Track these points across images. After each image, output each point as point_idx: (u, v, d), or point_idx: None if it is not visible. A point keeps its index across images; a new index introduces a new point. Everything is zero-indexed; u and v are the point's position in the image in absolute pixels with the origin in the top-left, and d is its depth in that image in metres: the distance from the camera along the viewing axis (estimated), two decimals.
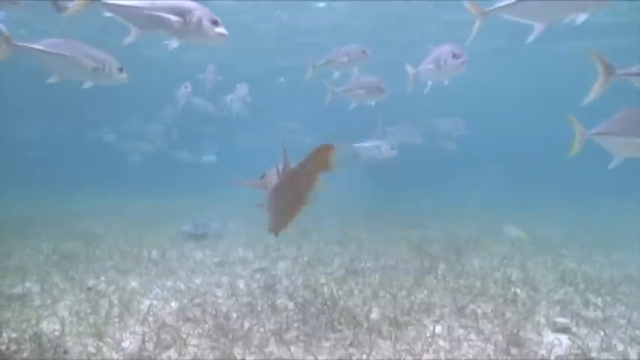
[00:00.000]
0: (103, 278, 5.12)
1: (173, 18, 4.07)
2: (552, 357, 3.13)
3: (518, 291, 4.65)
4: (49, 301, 4.28)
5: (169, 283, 5.01)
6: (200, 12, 4.13)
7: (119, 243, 7.08)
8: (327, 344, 3.33)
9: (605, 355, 3.27)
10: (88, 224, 9.15)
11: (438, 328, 3.62)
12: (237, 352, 3.16)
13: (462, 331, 3.60)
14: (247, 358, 3.09)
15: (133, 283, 4.96)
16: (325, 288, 4.89)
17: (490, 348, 3.28)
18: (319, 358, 3.10)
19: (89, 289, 4.66)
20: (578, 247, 7.57)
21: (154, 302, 4.29)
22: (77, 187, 18.59)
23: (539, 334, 3.54)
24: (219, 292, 4.69)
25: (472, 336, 3.51)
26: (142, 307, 4.12)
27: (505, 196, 16.10)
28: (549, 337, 3.50)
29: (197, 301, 4.32)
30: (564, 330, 3.63)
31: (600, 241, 8.26)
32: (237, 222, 9.77)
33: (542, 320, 3.82)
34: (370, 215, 11.42)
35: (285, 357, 3.12)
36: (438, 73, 5.72)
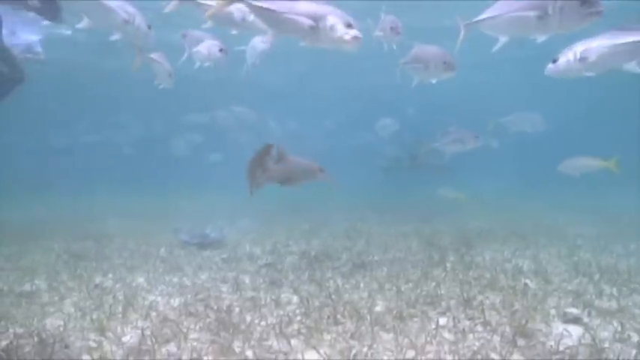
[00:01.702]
0: (110, 275, 5.16)
1: (306, 23, 3.96)
2: (561, 348, 3.01)
3: (529, 282, 4.52)
4: (56, 298, 4.32)
5: (175, 280, 5.02)
6: (334, 17, 3.95)
7: (129, 242, 7.14)
8: (329, 337, 3.27)
9: (618, 345, 3.13)
10: (100, 225, 9.26)
11: (443, 320, 3.53)
12: (237, 345, 3.13)
13: (468, 322, 3.50)
14: (247, 351, 3.05)
15: (140, 280, 4.99)
16: (331, 282, 4.83)
17: (496, 339, 3.18)
18: (320, 351, 3.04)
19: (96, 286, 4.70)
20: (594, 237, 7.35)
21: (159, 298, 4.30)
22: (96, 187, 18.82)
23: (549, 325, 3.42)
24: (223, 288, 4.68)
25: (478, 327, 3.41)
26: (146, 302, 4.12)
27: (519, 188, 15.79)
28: (559, 328, 3.37)
29: (201, 296, 4.31)
30: (575, 321, 3.50)
31: (618, 230, 8.01)
32: (248, 219, 9.83)
33: (553, 311, 3.69)
34: (382, 210, 11.34)
35: (285, 350, 3.07)
36: (541, 26, 4.08)
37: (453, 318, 3.55)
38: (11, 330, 3.42)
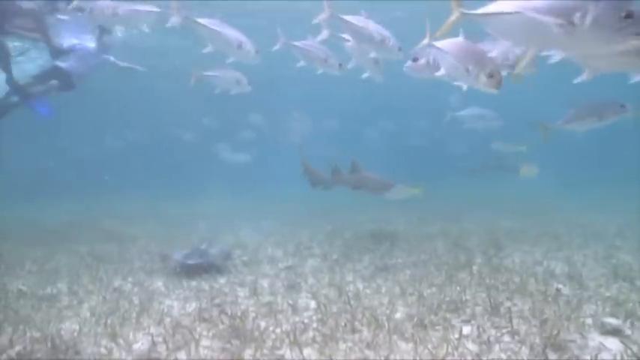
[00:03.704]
0: (130, 279, 5.17)
1: (552, 22, 2.86)
2: None
3: (562, 287, 4.22)
4: (75, 301, 4.34)
5: (193, 283, 4.97)
6: (596, 5, 2.79)
7: (151, 245, 7.19)
8: (344, 346, 3.11)
9: None
10: (127, 227, 9.38)
11: (467, 329, 3.32)
12: (248, 354, 3.02)
13: (494, 331, 3.27)
14: None
15: (158, 284, 4.97)
16: (351, 286, 4.68)
17: (525, 351, 2.94)
18: None
19: (115, 289, 4.71)
20: (635, 238, 6.88)
21: (175, 303, 4.25)
22: (130, 191, 19.12)
23: (584, 336, 3.14)
24: (241, 292, 4.59)
25: (505, 338, 3.17)
26: (162, 307, 4.08)
27: (554, 187, 15.12)
28: (596, 340, 3.09)
29: (217, 301, 4.24)
30: (615, 332, 3.20)
31: None
32: (274, 220, 9.80)
33: (589, 320, 3.40)
34: (410, 209, 11.05)
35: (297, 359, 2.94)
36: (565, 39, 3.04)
37: (478, 327, 3.32)
38: (28, 334, 3.43)
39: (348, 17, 5.11)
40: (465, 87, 4.09)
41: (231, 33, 5.26)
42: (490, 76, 3.52)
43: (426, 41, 4.16)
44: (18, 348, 3.13)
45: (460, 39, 3.89)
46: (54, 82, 7.83)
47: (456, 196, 14.52)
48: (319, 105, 24.54)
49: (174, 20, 4.97)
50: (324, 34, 5.39)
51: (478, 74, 3.57)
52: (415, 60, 4.51)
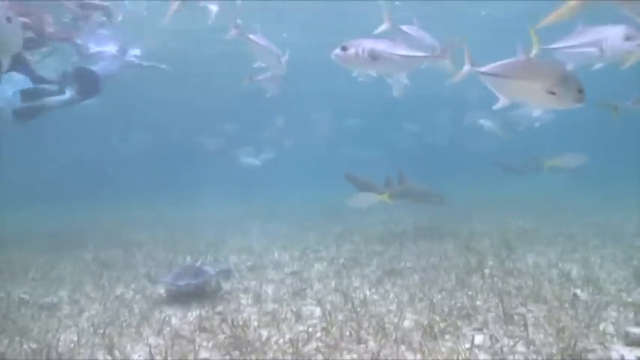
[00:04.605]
0: (132, 286, 5.07)
1: None
2: None
3: (579, 292, 4.01)
4: (75, 310, 4.25)
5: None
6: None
7: (157, 250, 7.11)
8: (348, 358, 2.97)
9: None
10: (134, 233, 9.30)
11: (479, 338, 3.14)
12: None
13: (507, 341, 3.10)
14: None
15: (161, 291, 4.85)
16: (358, 292, 4.52)
17: None
18: None
19: (117, 297, 4.62)
20: None
21: (177, 312, 4.13)
22: (145, 195, 19.04)
23: (606, 346, 2.95)
24: (244, 299, 4.46)
25: (520, 347, 3.00)
26: (163, 315, 3.96)
27: (566, 184, 14.77)
28: (619, 351, 2.89)
29: (219, 308, 4.11)
30: None
31: None
32: (282, 222, 9.67)
33: (610, 329, 3.20)
34: (419, 210, 10.84)
35: None
36: None
37: (491, 336, 3.15)
38: (25, 346, 3.34)
39: (404, 27, 4.99)
40: (539, 112, 3.78)
41: (273, 47, 5.69)
42: (580, 91, 3.23)
43: (467, 67, 3.77)
44: None
45: (520, 58, 3.48)
46: (75, 95, 7.83)
47: (465, 195, 14.24)
48: (338, 104, 24.30)
49: (232, 34, 5.38)
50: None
51: (566, 94, 3.24)
52: (344, 49, 4.19)
